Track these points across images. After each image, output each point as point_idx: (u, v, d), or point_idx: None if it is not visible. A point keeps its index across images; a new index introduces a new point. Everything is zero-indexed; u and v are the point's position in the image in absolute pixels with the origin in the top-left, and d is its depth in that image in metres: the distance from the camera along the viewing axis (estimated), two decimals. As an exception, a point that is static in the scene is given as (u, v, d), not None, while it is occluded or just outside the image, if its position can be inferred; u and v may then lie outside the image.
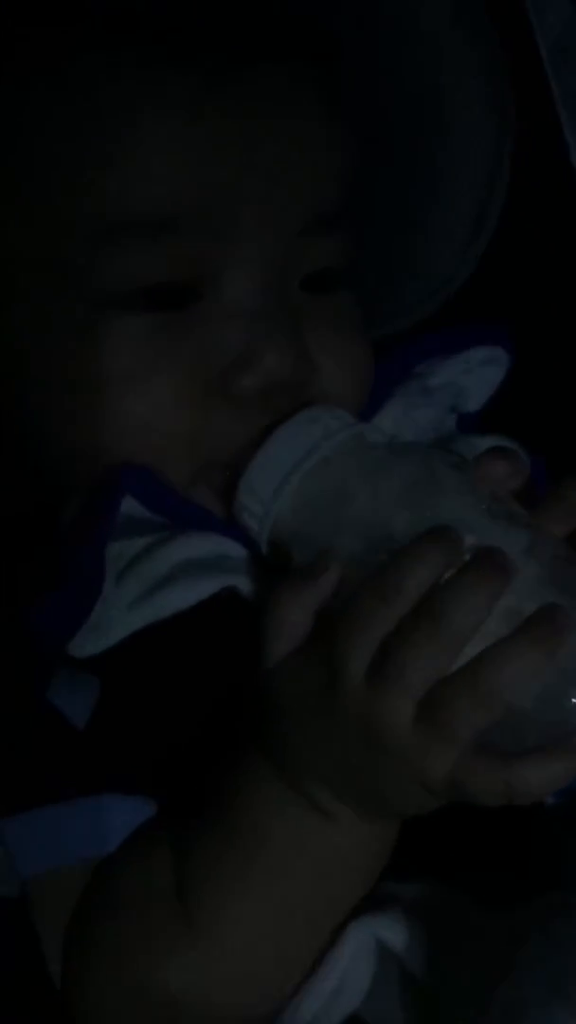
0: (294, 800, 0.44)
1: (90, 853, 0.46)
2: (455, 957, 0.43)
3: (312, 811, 0.44)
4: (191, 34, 0.46)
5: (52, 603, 0.44)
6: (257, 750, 0.45)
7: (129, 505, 0.47)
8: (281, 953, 0.45)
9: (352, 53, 0.53)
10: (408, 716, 0.40)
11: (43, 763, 0.46)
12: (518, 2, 0.56)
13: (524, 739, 0.41)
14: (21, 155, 0.47)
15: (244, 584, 0.47)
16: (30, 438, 0.49)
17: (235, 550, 0.48)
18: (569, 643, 0.40)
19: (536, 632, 0.40)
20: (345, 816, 0.44)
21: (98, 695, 0.46)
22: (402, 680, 0.40)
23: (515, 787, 0.40)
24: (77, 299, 0.46)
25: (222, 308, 0.47)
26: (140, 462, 0.47)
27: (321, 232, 0.49)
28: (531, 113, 0.59)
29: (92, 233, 0.46)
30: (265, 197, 0.47)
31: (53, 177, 0.46)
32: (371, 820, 0.44)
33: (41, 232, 0.46)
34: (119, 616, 0.45)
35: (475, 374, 0.58)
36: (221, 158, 0.46)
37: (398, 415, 0.55)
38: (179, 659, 0.47)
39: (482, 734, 0.40)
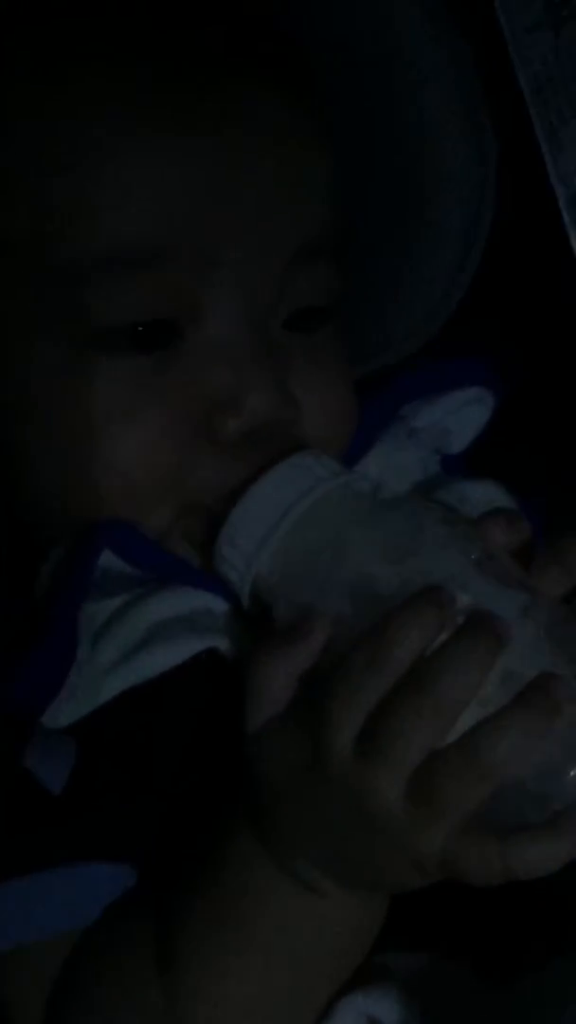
0: (280, 877, 0.42)
1: (67, 925, 0.44)
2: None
3: (300, 888, 0.42)
4: (174, 64, 0.45)
5: (24, 671, 0.43)
6: (243, 823, 0.43)
7: (107, 559, 0.46)
8: None
9: (333, 85, 0.52)
10: (399, 792, 0.39)
11: (17, 831, 0.45)
12: (498, 34, 0.55)
13: (521, 814, 0.39)
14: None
15: (225, 643, 0.46)
16: (11, 485, 0.48)
17: (216, 604, 0.47)
18: (568, 713, 0.38)
19: (532, 703, 0.39)
20: (334, 893, 0.42)
21: (75, 758, 0.45)
22: (392, 754, 0.39)
23: (511, 866, 0.39)
24: (57, 339, 0.45)
25: (205, 348, 0.46)
26: (120, 507, 0.46)
27: (305, 269, 0.47)
28: (514, 148, 0.57)
29: (71, 272, 0.44)
30: (248, 234, 0.45)
31: (31, 215, 0.45)
32: (360, 896, 0.43)
33: (18, 272, 0.45)
34: (94, 683, 0.44)
35: (460, 415, 0.57)
36: (203, 194, 0.45)
37: (384, 458, 0.54)
38: (159, 721, 0.45)
39: (474, 812, 0.39)
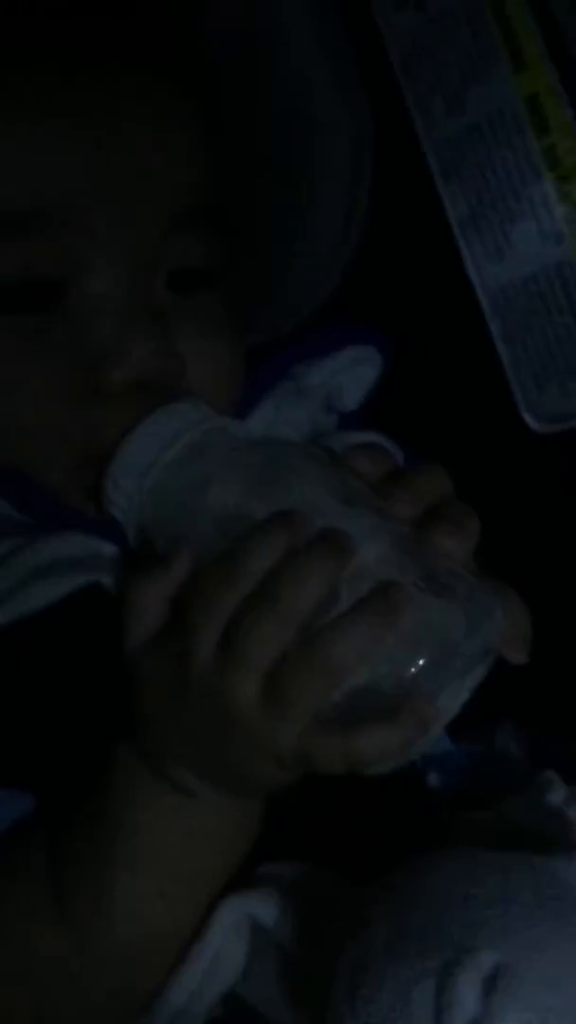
0: (156, 782, 0.45)
1: None
2: (321, 928, 0.44)
3: (175, 792, 0.45)
4: (45, 30, 0.48)
5: None
6: (125, 740, 0.46)
7: (1, 507, 0.49)
8: (152, 934, 0.46)
9: (215, 58, 0.55)
10: (254, 693, 0.42)
11: None
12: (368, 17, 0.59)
13: (365, 711, 0.42)
14: None
15: (111, 580, 0.48)
16: None
17: (106, 548, 0.49)
18: (405, 620, 0.42)
19: (372, 608, 0.42)
20: (207, 794, 0.45)
21: None
22: (245, 658, 0.42)
23: (355, 756, 0.42)
24: None
25: (87, 305, 0.49)
26: (14, 460, 0.49)
27: (183, 232, 0.50)
28: (389, 119, 0.61)
29: None
30: (124, 195, 0.48)
31: None
32: (233, 796, 0.45)
33: None
34: None
35: (349, 373, 0.60)
36: (78, 156, 0.48)
37: (271, 415, 0.57)
38: (47, 653, 0.48)
39: (326, 707, 0.42)
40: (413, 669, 0.42)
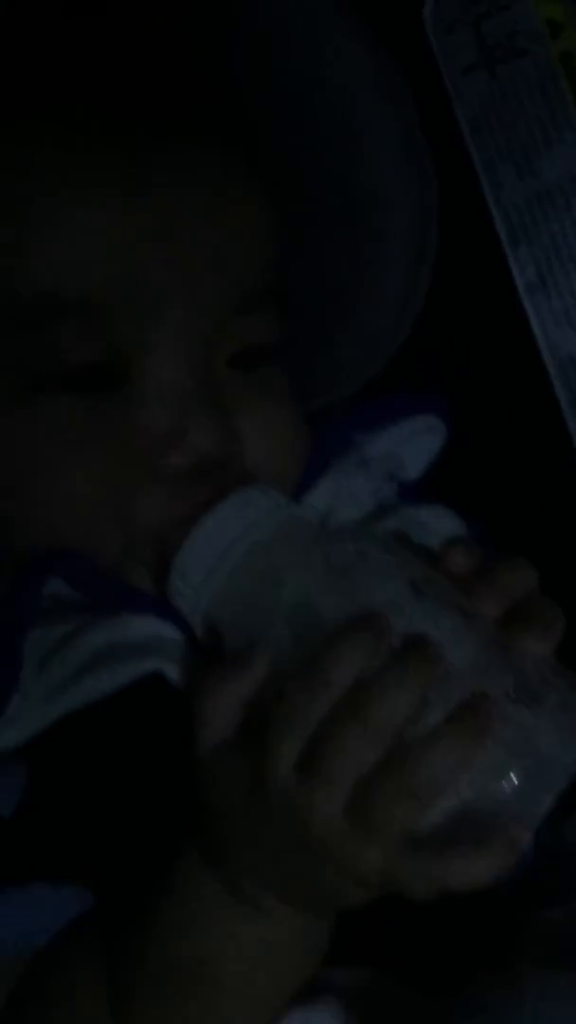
0: (226, 895, 0.43)
1: (21, 945, 0.45)
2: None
3: (246, 907, 0.43)
4: (115, 113, 0.47)
5: None
6: (192, 847, 0.44)
7: (56, 586, 0.47)
8: None
9: (271, 122, 0.54)
10: (337, 812, 0.39)
11: None
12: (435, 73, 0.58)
13: (455, 830, 0.40)
14: None
15: (173, 668, 0.46)
16: None
17: (167, 631, 0.47)
18: (499, 733, 0.39)
19: (463, 723, 0.39)
20: (280, 911, 0.43)
21: (25, 781, 0.46)
22: (329, 776, 0.39)
23: (447, 881, 0.39)
24: (2, 382, 0.47)
25: (148, 389, 0.47)
26: (69, 539, 0.47)
27: (248, 311, 0.49)
28: (455, 180, 0.59)
29: (17, 315, 0.46)
30: (191, 280, 0.47)
31: None
32: (307, 915, 0.43)
33: None
34: (38, 706, 0.45)
35: (412, 443, 0.58)
36: (146, 240, 0.46)
37: (335, 487, 0.55)
38: (108, 745, 0.46)
39: (414, 827, 0.39)
40: (506, 786, 0.39)
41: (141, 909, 0.44)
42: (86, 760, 0.46)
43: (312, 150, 0.58)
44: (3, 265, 0.46)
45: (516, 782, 0.39)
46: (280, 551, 0.45)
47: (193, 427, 0.47)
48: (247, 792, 0.41)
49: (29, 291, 0.46)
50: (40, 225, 0.46)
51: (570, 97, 0.57)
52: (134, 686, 0.46)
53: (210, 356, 0.48)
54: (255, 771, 0.41)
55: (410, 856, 0.39)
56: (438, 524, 0.55)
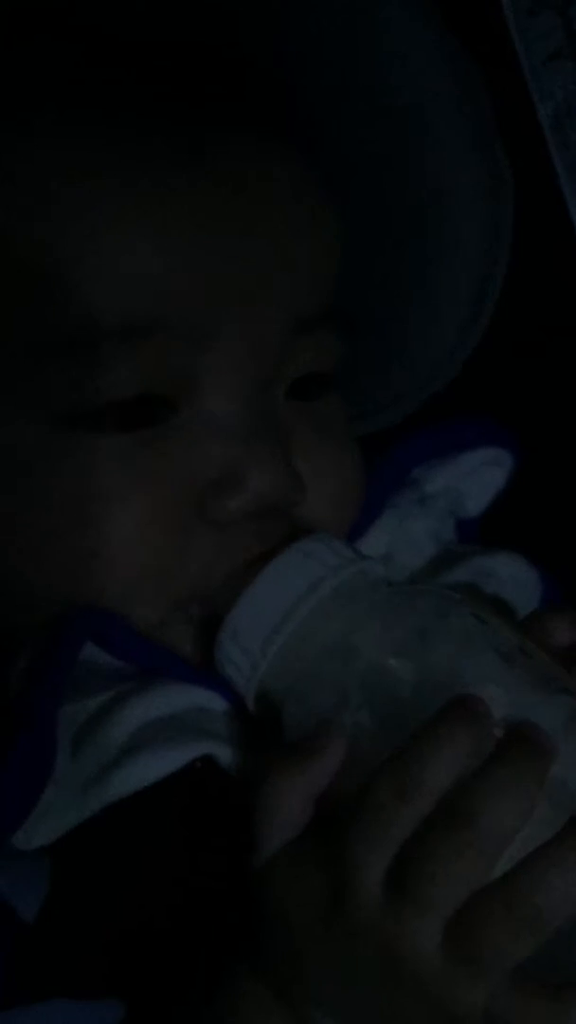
0: None
1: None
2: None
3: None
4: (174, 132, 0.41)
5: None
6: (249, 967, 0.38)
7: (89, 651, 0.41)
8: None
9: (334, 135, 0.48)
10: (435, 941, 0.34)
11: None
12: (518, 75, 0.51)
13: (568, 968, 0.34)
14: None
15: (223, 749, 0.40)
16: None
17: (212, 702, 0.42)
18: None
19: None
20: None
21: (50, 881, 0.39)
22: (427, 899, 0.34)
23: None
24: (37, 419, 0.41)
25: (201, 422, 0.41)
26: (107, 597, 0.41)
27: (307, 337, 0.43)
28: (532, 186, 0.53)
29: (55, 349, 0.40)
30: (247, 301, 0.41)
31: (16, 281, 0.41)
32: None
33: None
34: (73, 798, 0.38)
35: (475, 477, 0.52)
36: (199, 265, 0.41)
37: (393, 529, 0.49)
38: (147, 838, 0.40)
39: (525, 960, 0.34)
40: None
41: None
42: (120, 856, 0.40)
43: (370, 152, 0.51)
44: (45, 288, 0.40)
45: None
46: (350, 614, 0.40)
47: (254, 468, 0.41)
48: (321, 909, 0.36)
49: (68, 315, 0.40)
50: (86, 246, 0.40)
51: None
52: (181, 773, 0.39)
53: (268, 385, 0.43)
54: (332, 885, 0.35)
55: (526, 996, 0.34)
56: (510, 575, 0.49)
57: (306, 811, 0.37)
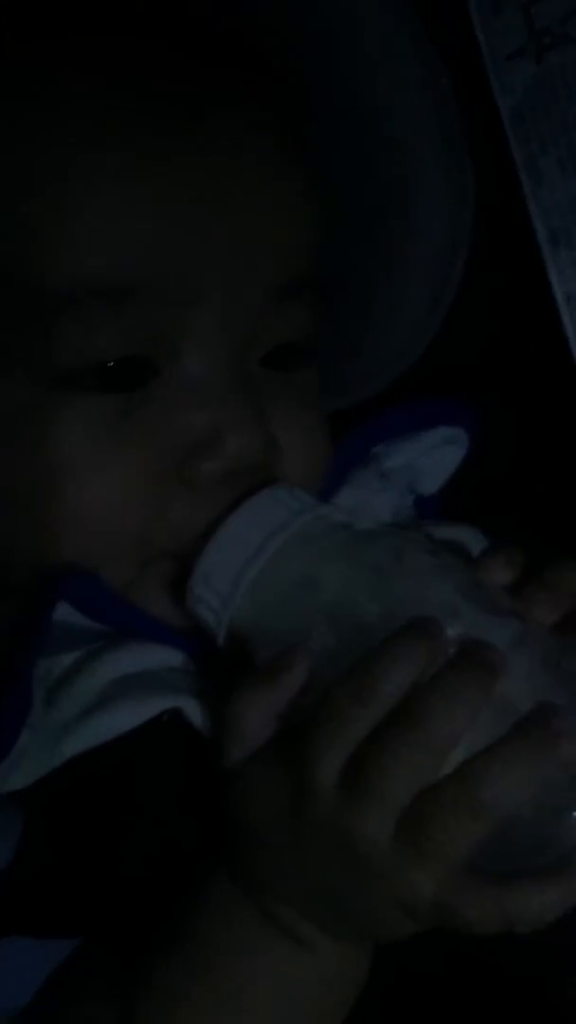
0: (264, 927, 0.40)
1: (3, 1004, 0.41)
2: None
3: (284, 938, 0.40)
4: (162, 96, 0.43)
5: None
6: (223, 873, 0.40)
7: (64, 611, 0.43)
8: None
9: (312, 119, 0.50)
10: (388, 832, 0.37)
11: None
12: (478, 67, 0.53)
13: (515, 856, 0.37)
14: None
15: (190, 704, 0.43)
16: None
17: (179, 659, 0.44)
18: (567, 747, 0.36)
19: (531, 735, 0.36)
20: (319, 943, 0.40)
21: (22, 828, 0.42)
22: (381, 792, 0.36)
23: (511, 915, 0.36)
24: (20, 377, 0.42)
25: (180, 385, 0.43)
26: (84, 555, 0.43)
27: (285, 305, 0.45)
28: (491, 175, 0.55)
29: (39, 307, 0.41)
30: (227, 266, 0.43)
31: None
32: (347, 947, 0.40)
33: None
34: (47, 745, 0.41)
35: (433, 455, 0.55)
36: (181, 224, 0.42)
37: (354, 500, 0.51)
38: (114, 786, 0.42)
39: (471, 852, 0.36)
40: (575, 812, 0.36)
41: (165, 944, 0.41)
42: (91, 804, 0.42)
43: (342, 135, 0.53)
44: (27, 248, 0.41)
45: None
46: (315, 552, 0.42)
47: (231, 430, 0.43)
48: (284, 810, 0.38)
49: (50, 279, 0.41)
50: (70, 206, 0.41)
51: None
52: (148, 724, 0.42)
53: (245, 351, 0.45)
54: (294, 783, 0.38)
55: (471, 885, 0.36)
56: (465, 543, 0.51)
57: (270, 724, 0.39)
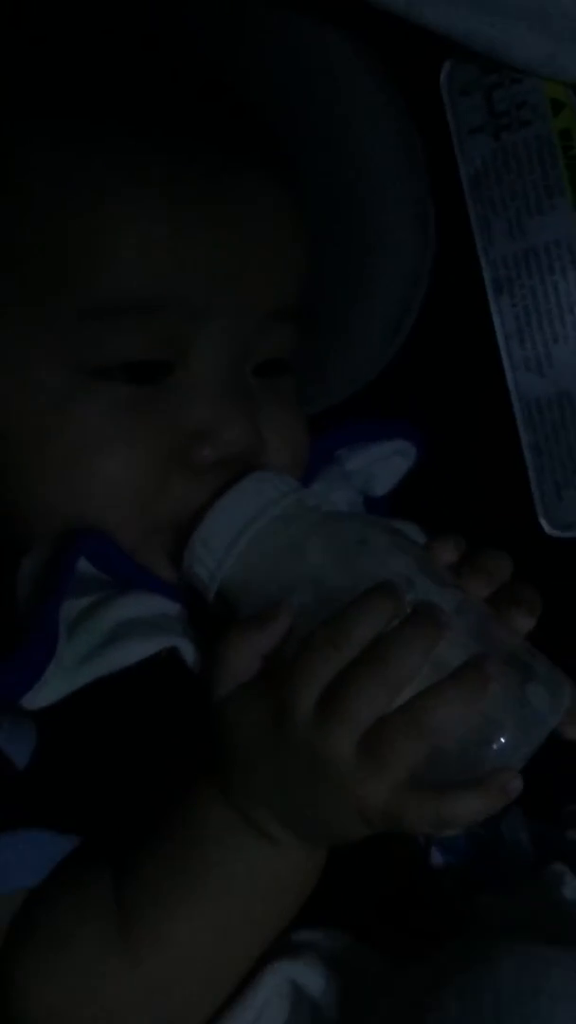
0: (240, 825, 0.47)
1: (19, 884, 0.48)
2: (368, 1008, 0.46)
3: (256, 836, 0.47)
4: (188, 147, 0.52)
5: (10, 662, 0.47)
6: (205, 782, 0.48)
7: (81, 564, 0.51)
8: (214, 974, 0.48)
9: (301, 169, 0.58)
10: (351, 748, 0.45)
11: None
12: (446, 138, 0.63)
13: (449, 775, 0.45)
14: (28, 238, 0.50)
15: (185, 644, 0.51)
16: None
17: (174, 610, 0.52)
18: (496, 689, 0.45)
19: (466, 679, 0.45)
20: (286, 841, 0.47)
21: (37, 741, 0.49)
22: (347, 715, 0.45)
23: (445, 817, 0.45)
24: (61, 368, 0.50)
25: (189, 384, 0.52)
26: (100, 518, 0.51)
27: (275, 327, 0.54)
28: (452, 229, 0.65)
29: (82, 313, 0.50)
30: (235, 290, 0.52)
31: (52, 262, 0.50)
32: (309, 845, 0.48)
33: (35, 308, 0.50)
34: (67, 672, 0.48)
35: (386, 463, 0.64)
36: (200, 256, 0.51)
37: (322, 494, 0.59)
38: (114, 709, 0.50)
39: (417, 768, 0.45)
40: (502, 738, 0.45)
41: (153, 840, 0.48)
42: (97, 722, 0.50)
43: (325, 179, 0.62)
44: (74, 267, 0.50)
45: (508, 734, 0.45)
46: (298, 526, 0.51)
47: (226, 424, 0.52)
48: (265, 732, 0.46)
49: (107, 291, 0.50)
50: (114, 232, 0.50)
51: (563, 170, 0.62)
52: (150, 659, 0.50)
53: (243, 360, 0.53)
54: (276, 712, 0.46)
55: (415, 794, 0.45)
56: (409, 534, 0.60)
57: (254, 664, 0.47)
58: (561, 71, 0.58)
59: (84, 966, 0.47)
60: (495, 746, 0.45)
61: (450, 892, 0.55)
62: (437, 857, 0.57)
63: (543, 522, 0.66)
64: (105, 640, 0.49)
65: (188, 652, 0.51)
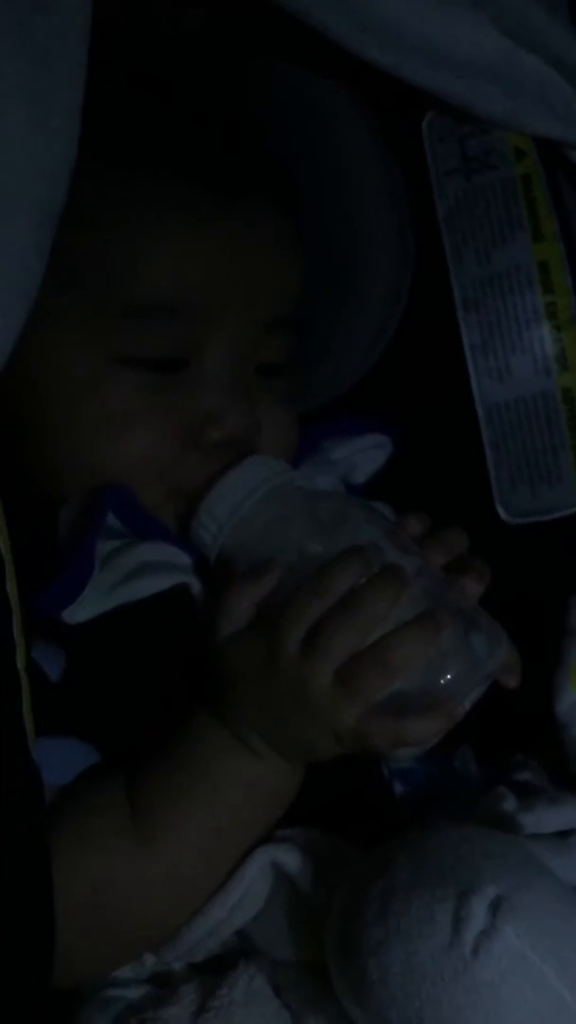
0: (233, 742, 0.57)
1: (55, 780, 0.58)
2: (336, 873, 0.56)
3: (246, 751, 0.57)
4: (214, 180, 0.62)
5: (56, 582, 0.57)
6: (206, 706, 0.58)
7: (109, 519, 0.61)
8: (210, 865, 0.57)
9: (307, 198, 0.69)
10: (328, 680, 0.54)
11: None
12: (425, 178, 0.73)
13: (409, 702, 0.55)
14: (83, 252, 0.60)
15: (193, 583, 0.61)
16: (39, 455, 0.62)
17: (184, 559, 0.62)
18: (447, 635, 0.55)
19: (423, 624, 0.55)
20: (271, 756, 0.57)
21: (65, 661, 0.59)
22: (326, 651, 0.54)
23: (404, 737, 0.54)
24: (97, 355, 0.61)
25: (201, 377, 0.62)
26: (124, 479, 0.61)
27: (275, 333, 0.64)
28: (429, 256, 0.74)
29: (122, 311, 0.60)
30: (244, 299, 0.62)
31: (98, 273, 0.60)
32: (289, 761, 0.58)
33: (81, 307, 0.61)
34: (99, 596, 0.58)
35: (365, 454, 0.73)
36: (215, 270, 0.61)
37: (308, 476, 0.69)
38: (132, 636, 0.60)
39: (382, 697, 0.54)
40: (449, 675, 0.55)
41: (162, 752, 0.58)
42: (118, 645, 0.59)
43: (322, 211, 0.72)
44: (118, 274, 0.60)
45: (455, 672, 0.55)
46: (288, 500, 0.61)
47: (230, 412, 0.62)
48: (258, 666, 0.56)
49: (140, 298, 0.60)
50: (153, 249, 0.61)
51: (524, 209, 0.72)
52: (164, 592, 0.60)
53: (246, 360, 0.64)
54: (268, 649, 0.55)
55: (380, 718, 0.54)
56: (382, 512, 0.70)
57: (251, 610, 0.57)
58: (521, 124, 0.69)
59: (102, 847, 0.56)
60: (443, 681, 0.55)
61: (407, 816, 0.64)
62: (399, 787, 0.66)
63: (500, 510, 0.74)
64: (130, 574, 0.59)
65: (197, 590, 0.61)
